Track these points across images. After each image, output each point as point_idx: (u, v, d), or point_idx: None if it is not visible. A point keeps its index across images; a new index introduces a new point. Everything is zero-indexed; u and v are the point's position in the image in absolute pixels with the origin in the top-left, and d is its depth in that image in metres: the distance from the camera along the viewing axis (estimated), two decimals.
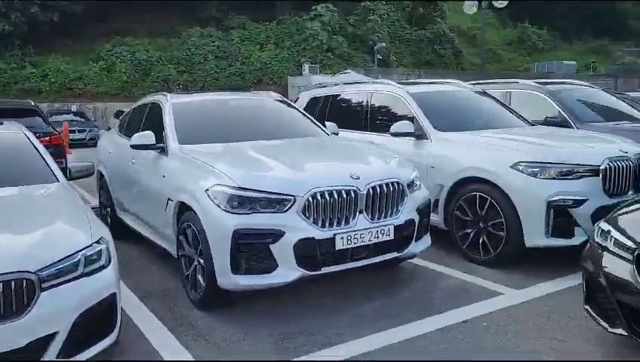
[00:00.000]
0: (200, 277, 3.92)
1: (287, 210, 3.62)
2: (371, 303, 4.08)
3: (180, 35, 32.72)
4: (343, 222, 3.74)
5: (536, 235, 4.49)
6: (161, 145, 4.67)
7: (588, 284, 3.27)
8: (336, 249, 3.70)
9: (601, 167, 4.52)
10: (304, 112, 5.77)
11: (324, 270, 3.72)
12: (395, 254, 4.05)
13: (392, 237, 3.92)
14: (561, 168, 4.50)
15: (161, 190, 4.47)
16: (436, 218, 5.23)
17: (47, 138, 7.76)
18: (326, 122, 5.63)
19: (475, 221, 4.90)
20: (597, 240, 3.25)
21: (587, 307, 3.28)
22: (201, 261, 3.85)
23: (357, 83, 7.02)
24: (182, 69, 30.75)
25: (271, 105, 5.73)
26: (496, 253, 4.72)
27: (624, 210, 3.33)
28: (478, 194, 4.83)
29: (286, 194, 3.64)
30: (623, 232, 3.03)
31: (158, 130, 4.83)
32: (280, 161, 4.04)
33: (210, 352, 3.37)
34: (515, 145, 4.87)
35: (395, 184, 4.01)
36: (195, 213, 3.86)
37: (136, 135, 4.76)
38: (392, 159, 4.44)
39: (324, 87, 7.65)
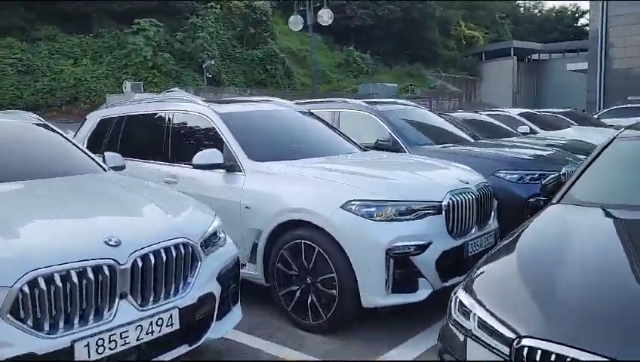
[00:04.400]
0: None
1: None
2: None
3: None
4: (90, 318, 2.38)
5: (374, 292, 3.55)
6: None
7: None
8: None
9: (444, 203, 3.75)
10: (70, 139, 4.21)
11: None
12: (185, 348, 2.79)
13: (177, 326, 2.66)
14: (399, 206, 3.63)
15: None
16: (254, 271, 4.12)
17: None
18: (106, 153, 4.20)
19: (301, 276, 3.84)
20: (455, 317, 2.34)
21: None
22: None
23: (158, 100, 5.60)
24: None
25: (14, 132, 4.05)
26: (328, 316, 3.70)
27: (485, 273, 2.47)
28: (303, 241, 3.79)
29: None
30: (493, 312, 2.14)
31: None
32: None
33: None
34: (346, 178, 3.90)
35: (181, 246, 2.76)
36: None
37: None
38: (181, 206, 3.19)
39: (121, 105, 6.09)
